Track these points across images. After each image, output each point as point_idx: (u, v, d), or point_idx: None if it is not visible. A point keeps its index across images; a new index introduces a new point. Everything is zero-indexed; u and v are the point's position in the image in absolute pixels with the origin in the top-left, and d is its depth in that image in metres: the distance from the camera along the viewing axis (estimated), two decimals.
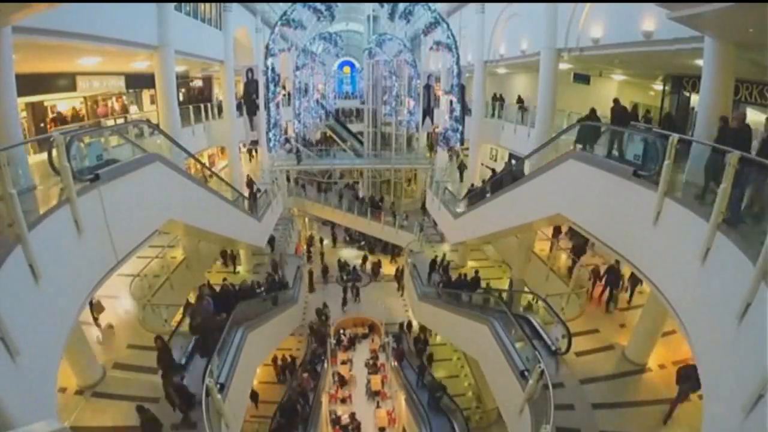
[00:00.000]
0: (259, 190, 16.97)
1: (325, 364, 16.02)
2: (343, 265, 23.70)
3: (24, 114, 10.97)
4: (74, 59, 11.46)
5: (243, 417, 9.43)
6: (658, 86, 13.65)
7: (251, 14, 20.41)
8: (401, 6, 20.13)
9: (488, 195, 12.63)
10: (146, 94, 17.50)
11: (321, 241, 26.32)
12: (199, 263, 14.05)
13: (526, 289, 13.75)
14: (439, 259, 16.15)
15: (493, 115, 18.31)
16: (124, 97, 16.13)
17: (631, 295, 11.52)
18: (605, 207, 7.21)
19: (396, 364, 15.69)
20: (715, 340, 4.44)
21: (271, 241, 18.40)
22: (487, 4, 16.77)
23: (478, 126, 18.39)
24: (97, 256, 5.86)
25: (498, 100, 18.71)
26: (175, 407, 7.48)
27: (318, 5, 19.12)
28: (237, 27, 18.44)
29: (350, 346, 17.93)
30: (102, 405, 7.83)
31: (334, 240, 27.09)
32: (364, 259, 23.94)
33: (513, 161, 15.62)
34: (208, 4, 16.02)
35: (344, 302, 20.07)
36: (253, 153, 26.01)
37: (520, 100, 17.41)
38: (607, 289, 11.55)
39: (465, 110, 17.98)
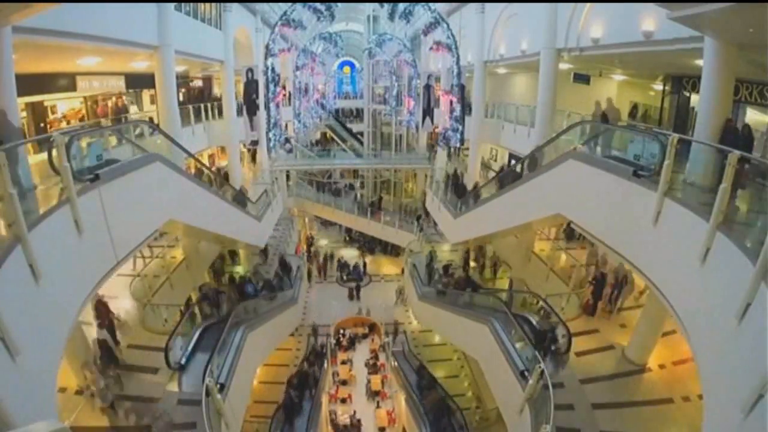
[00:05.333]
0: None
1: (325, 365, 16.02)
2: (343, 265, 23.75)
3: (24, 114, 10.96)
4: (74, 59, 11.45)
5: (243, 417, 9.44)
6: (658, 86, 13.65)
7: (251, 14, 20.41)
8: (401, 6, 20.10)
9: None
10: (146, 94, 17.49)
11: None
12: (199, 263, 14.05)
13: (526, 289, 13.74)
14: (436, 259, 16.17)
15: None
16: (124, 97, 16.13)
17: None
18: (605, 207, 7.22)
19: (396, 364, 15.72)
20: (715, 340, 4.44)
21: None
22: (487, 4, 16.75)
23: (478, 126, 18.38)
24: (97, 256, 5.86)
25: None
26: None
27: (318, 5, 19.09)
28: (237, 27, 18.44)
29: (350, 346, 17.93)
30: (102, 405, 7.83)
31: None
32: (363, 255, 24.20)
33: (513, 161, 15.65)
34: (208, 4, 16.01)
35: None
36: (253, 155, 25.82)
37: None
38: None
39: (464, 110, 17.95)
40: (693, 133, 7.82)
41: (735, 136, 6.78)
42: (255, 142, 18.88)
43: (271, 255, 17.66)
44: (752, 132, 7.04)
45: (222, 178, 15.89)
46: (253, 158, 25.55)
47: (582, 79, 15.17)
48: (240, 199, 13.73)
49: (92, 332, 9.06)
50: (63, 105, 13.43)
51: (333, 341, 17.43)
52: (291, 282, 15.60)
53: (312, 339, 18.21)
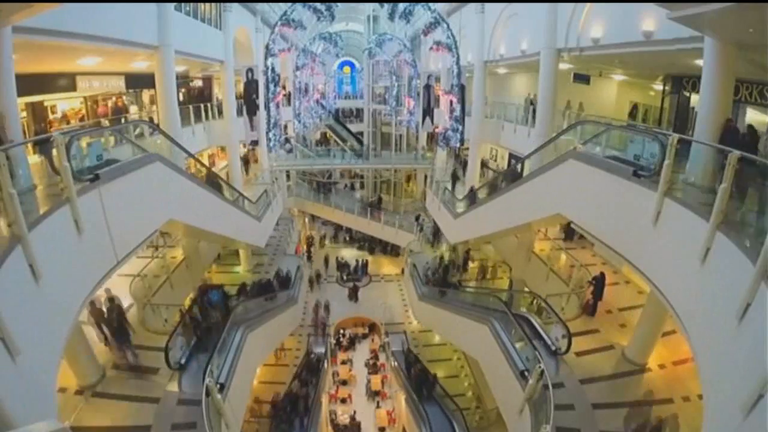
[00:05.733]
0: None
1: (325, 365, 16.03)
2: (343, 265, 23.77)
3: (24, 114, 10.96)
4: (74, 59, 11.44)
5: (243, 417, 9.44)
6: (658, 86, 13.65)
7: (251, 14, 20.40)
8: (401, 6, 20.10)
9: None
10: (146, 94, 17.49)
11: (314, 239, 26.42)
12: (199, 263, 14.05)
13: (526, 289, 13.76)
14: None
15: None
16: (124, 97, 16.13)
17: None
18: (605, 207, 7.22)
19: (396, 364, 15.71)
20: (715, 341, 4.44)
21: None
22: (487, 4, 16.75)
23: (478, 126, 18.39)
24: (97, 256, 5.86)
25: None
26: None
27: (318, 5, 19.10)
28: (237, 27, 18.42)
29: (350, 346, 17.94)
30: (102, 405, 7.82)
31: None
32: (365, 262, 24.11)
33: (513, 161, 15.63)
34: (208, 4, 16.01)
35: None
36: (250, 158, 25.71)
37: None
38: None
39: (464, 110, 17.96)
40: (693, 133, 7.81)
41: (735, 136, 6.78)
42: (255, 142, 18.89)
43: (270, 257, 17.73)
44: (757, 133, 7.01)
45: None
46: (249, 161, 25.54)
47: (582, 79, 15.16)
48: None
49: (92, 332, 9.06)
50: (63, 105, 13.43)
51: (333, 341, 17.44)
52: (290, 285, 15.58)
53: (309, 340, 18.15)
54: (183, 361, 9.05)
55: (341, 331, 18.57)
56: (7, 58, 6.48)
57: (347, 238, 27.64)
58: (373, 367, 16.56)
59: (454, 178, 19.44)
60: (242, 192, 14.94)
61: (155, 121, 13.30)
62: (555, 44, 12.29)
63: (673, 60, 9.61)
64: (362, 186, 27.98)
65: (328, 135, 31.46)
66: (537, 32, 12.99)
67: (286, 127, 20.62)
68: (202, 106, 17.57)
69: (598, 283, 11.15)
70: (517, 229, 12.46)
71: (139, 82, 15.80)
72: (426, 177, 23.60)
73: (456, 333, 13.08)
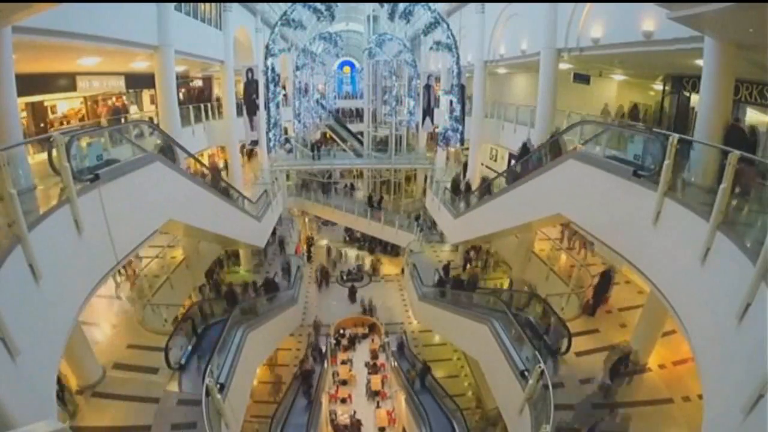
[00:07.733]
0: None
1: (325, 365, 16.02)
2: (348, 273, 23.79)
3: (24, 114, 10.96)
4: (74, 59, 11.44)
5: (243, 417, 9.45)
6: (658, 86, 13.63)
7: (251, 14, 20.39)
8: (401, 6, 20.09)
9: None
10: (146, 94, 17.49)
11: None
12: (199, 263, 14.06)
13: (526, 289, 13.75)
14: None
15: None
16: (124, 97, 16.13)
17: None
18: (605, 207, 7.22)
19: (396, 364, 15.71)
20: (715, 341, 4.44)
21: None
22: (487, 4, 16.75)
23: (478, 126, 18.39)
24: (97, 256, 5.86)
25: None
26: None
27: (318, 5, 19.10)
28: (237, 27, 18.42)
29: (350, 346, 17.92)
30: (102, 405, 7.83)
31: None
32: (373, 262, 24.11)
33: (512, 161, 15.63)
34: (208, 4, 16.00)
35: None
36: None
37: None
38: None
39: (464, 110, 17.93)
40: (693, 133, 7.80)
41: (739, 136, 6.74)
42: (255, 142, 18.89)
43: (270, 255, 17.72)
44: (757, 134, 6.97)
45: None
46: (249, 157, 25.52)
47: (582, 79, 15.14)
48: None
49: (92, 332, 9.06)
50: (63, 105, 13.44)
51: (333, 341, 17.44)
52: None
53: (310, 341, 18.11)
54: (183, 361, 9.06)
55: (341, 331, 18.55)
56: (7, 58, 6.47)
57: (347, 238, 27.65)
58: (373, 367, 16.55)
59: (456, 186, 16.68)
60: (242, 192, 14.94)
61: (155, 121, 13.30)
62: (555, 44, 12.28)
63: (673, 60, 9.60)
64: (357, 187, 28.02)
65: (327, 135, 31.48)
66: (537, 32, 12.98)
67: (286, 131, 20.60)
68: (202, 106, 17.57)
69: (605, 279, 11.06)
70: (517, 229, 12.46)
71: (139, 82, 15.80)
72: (426, 177, 23.61)
73: (456, 333, 13.09)
